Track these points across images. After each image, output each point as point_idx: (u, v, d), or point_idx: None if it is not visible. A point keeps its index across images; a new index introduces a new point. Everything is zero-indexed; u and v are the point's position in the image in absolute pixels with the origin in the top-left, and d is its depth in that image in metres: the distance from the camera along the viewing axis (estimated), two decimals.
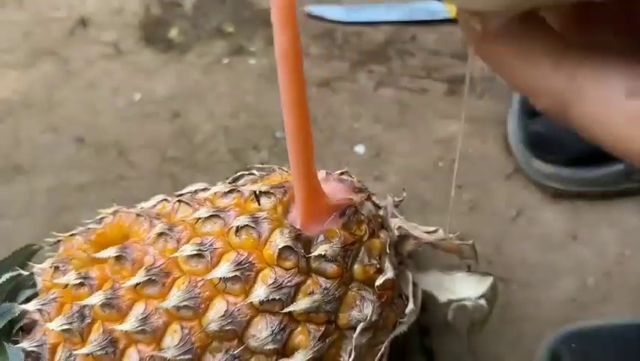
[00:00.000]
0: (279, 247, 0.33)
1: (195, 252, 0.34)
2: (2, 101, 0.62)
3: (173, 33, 0.67)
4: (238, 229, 0.34)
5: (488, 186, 0.57)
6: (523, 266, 0.53)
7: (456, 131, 0.60)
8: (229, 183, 0.39)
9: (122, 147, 0.59)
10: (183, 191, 0.40)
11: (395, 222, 0.38)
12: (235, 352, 0.33)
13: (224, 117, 0.61)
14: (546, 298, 0.52)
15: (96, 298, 0.33)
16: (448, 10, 0.67)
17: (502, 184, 0.57)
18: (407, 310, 0.36)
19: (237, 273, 0.33)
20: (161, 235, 0.35)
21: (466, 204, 0.56)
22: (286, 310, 0.33)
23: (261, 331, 0.33)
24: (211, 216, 0.35)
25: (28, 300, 0.38)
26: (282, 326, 0.33)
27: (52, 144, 0.60)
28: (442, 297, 0.39)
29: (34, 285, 0.40)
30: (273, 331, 0.33)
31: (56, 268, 0.36)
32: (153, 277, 0.33)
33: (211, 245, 0.34)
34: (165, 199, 0.39)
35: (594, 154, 0.54)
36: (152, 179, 0.58)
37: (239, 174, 0.40)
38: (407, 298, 0.37)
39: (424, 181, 0.57)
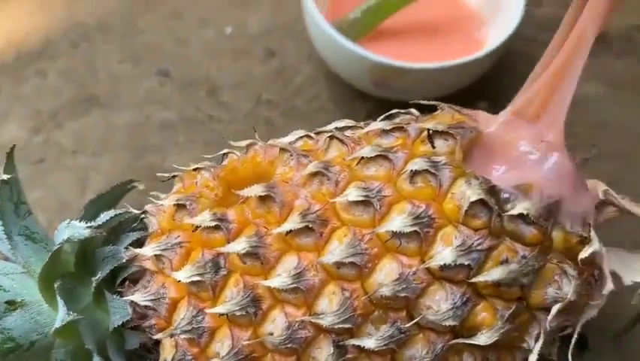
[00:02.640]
0: (471, 200, 0.26)
1: (361, 198, 0.27)
2: (76, 25, 0.55)
3: None
4: (413, 175, 0.27)
5: (630, 158, 0.50)
6: None
7: (592, 92, 0.52)
8: (382, 120, 0.32)
9: (211, 84, 0.52)
10: (324, 128, 0.33)
11: (591, 185, 0.31)
12: (403, 325, 0.27)
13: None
14: None
15: (239, 246, 0.27)
16: None
17: None
18: (605, 291, 0.29)
19: (416, 228, 0.26)
20: (315, 174, 0.28)
21: (605, 176, 0.49)
22: (474, 279, 0.26)
23: (440, 302, 0.27)
24: (377, 156, 0.28)
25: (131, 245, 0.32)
26: (464, 298, 0.27)
27: (133, 75, 0.53)
28: (627, 278, 0.32)
29: (134, 228, 0.34)
30: (454, 304, 0.27)
31: (181, 206, 0.29)
32: (310, 225, 0.27)
33: (379, 192, 0.27)
34: (307, 135, 0.32)
35: None
36: (245, 122, 0.51)
37: (393, 111, 0.33)
38: (599, 277, 0.30)
39: None
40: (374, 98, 0.51)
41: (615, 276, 0.32)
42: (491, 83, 0.52)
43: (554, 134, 0.29)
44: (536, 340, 0.28)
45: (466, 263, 0.26)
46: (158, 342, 0.31)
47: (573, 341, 0.29)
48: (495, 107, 0.51)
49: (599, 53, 0.55)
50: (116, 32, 0.55)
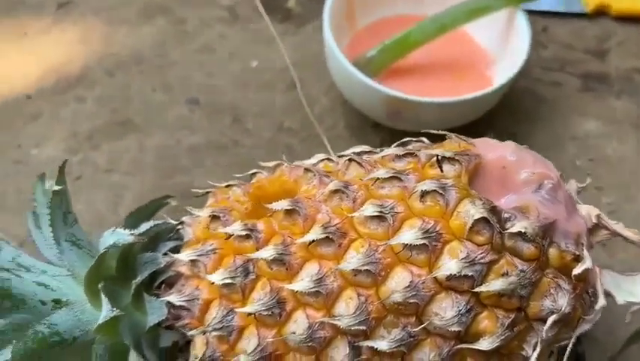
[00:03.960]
0: (475, 218, 0.30)
1: (376, 213, 0.30)
2: (112, 55, 0.60)
3: (292, 3, 0.64)
4: (423, 194, 0.31)
5: (629, 190, 0.53)
6: None
7: (593, 129, 0.56)
8: (396, 146, 0.35)
9: (237, 112, 0.56)
10: (344, 152, 0.36)
11: (585, 210, 0.34)
12: (413, 330, 0.30)
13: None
14: None
15: (267, 253, 0.30)
16: (584, 4, 0.63)
17: None
18: (597, 307, 0.32)
19: (425, 241, 0.29)
20: (335, 192, 0.32)
21: (605, 207, 0.52)
22: (477, 289, 0.29)
23: (446, 310, 0.30)
24: (391, 177, 0.32)
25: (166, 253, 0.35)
26: (468, 306, 0.30)
27: (165, 102, 0.57)
28: (620, 298, 0.35)
29: (170, 238, 0.37)
30: (459, 311, 0.29)
31: (215, 217, 0.33)
32: (330, 236, 0.30)
33: (392, 208, 0.31)
34: (328, 158, 0.35)
35: None
36: (267, 148, 0.54)
37: (406, 139, 0.36)
38: (593, 294, 0.33)
39: None
40: (387, 127, 0.55)
41: (610, 296, 0.35)
42: (498, 117, 0.56)
43: (541, 165, 0.32)
44: (534, 348, 0.31)
45: (470, 274, 0.29)
46: (188, 342, 0.34)
47: (567, 351, 0.32)
48: (500, 140, 0.55)
49: (601, 93, 0.59)
50: (150, 63, 0.59)
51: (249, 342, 0.30)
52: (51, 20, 0.63)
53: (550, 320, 0.30)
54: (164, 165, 0.53)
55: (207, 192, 0.36)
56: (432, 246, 0.30)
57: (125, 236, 0.33)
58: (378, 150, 0.36)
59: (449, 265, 0.29)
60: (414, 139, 0.36)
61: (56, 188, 0.35)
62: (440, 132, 0.35)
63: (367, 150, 0.36)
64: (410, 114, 0.49)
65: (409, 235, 0.30)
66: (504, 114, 0.56)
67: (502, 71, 0.53)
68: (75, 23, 0.63)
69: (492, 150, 0.34)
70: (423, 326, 0.30)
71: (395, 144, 0.36)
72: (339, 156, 0.36)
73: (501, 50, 0.54)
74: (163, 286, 0.34)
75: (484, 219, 0.30)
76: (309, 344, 0.30)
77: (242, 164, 0.54)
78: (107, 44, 0.61)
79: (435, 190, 0.31)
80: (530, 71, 0.59)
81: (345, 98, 0.56)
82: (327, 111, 0.57)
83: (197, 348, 0.32)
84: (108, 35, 0.61)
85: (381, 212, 0.30)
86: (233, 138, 0.55)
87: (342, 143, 0.55)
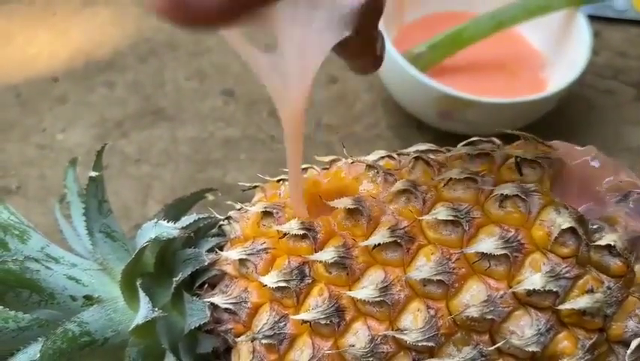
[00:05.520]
0: (562, 227, 0.27)
1: (451, 217, 0.27)
2: (145, 40, 0.57)
3: None
4: (503, 199, 0.28)
5: None
6: None
7: None
8: (464, 145, 0.32)
9: (274, 106, 0.53)
10: (404, 150, 0.33)
11: None
12: (485, 349, 0.27)
13: (386, 89, 0.55)
14: None
15: (327, 255, 0.27)
16: (638, 10, 0.60)
17: None
18: None
19: (506, 251, 0.26)
20: (403, 192, 0.29)
21: None
22: (560, 307, 0.26)
23: (524, 328, 0.27)
24: (465, 178, 0.29)
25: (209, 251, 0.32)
26: (548, 325, 0.27)
27: (199, 92, 0.54)
28: None
29: (211, 235, 0.34)
30: (539, 330, 0.26)
31: (267, 213, 0.30)
32: (398, 240, 0.27)
33: (467, 213, 0.28)
34: (389, 155, 0.32)
35: None
36: (305, 145, 0.51)
37: (474, 139, 0.33)
38: None
39: None
40: (432, 128, 0.52)
41: None
42: (548, 124, 0.53)
43: (625, 173, 0.29)
44: None
45: (555, 290, 0.26)
46: (228, 348, 0.31)
47: None
48: None
49: None
50: (184, 50, 0.57)
51: (302, 353, 0.27)
52: (82, 0, 0.60)
53: (634, 343, 0.27)
54: (197, 158, 0.50)
55: (255, 186, 0.33)
56: (512, 257, 0.27)
57: (169, 229, 0.30)
58: (444, 149, 0.33)
59: (532, 279, 0.26)
60: (484, 139, 0.33)
61: (93, 174, 0.32)
62: (516, 132, 0.32)
63: (433, 148, 0.33)
64: (463, 114, 0.46)
65: (488, 243, 0.27)
66: (551, 121, 0.53)
67: (558, 73, 0.50)
68: (107, 5, 0.60)
69: (571, 154, 0.31)
70: (498, 345, 0.27)
71: (463, 143, 0.33)
72: (400, 154, 0.33)
73: (556, 52, 0.51)
74: (205, 286, 0.31)
75: (571, 230, 0.27)
76: (370, 359, 0.27)
77: (278, 160, 0.51)
78: (139, 28, 0.58)
79: (516, 195, 0.28)
80: (582, 77, 0.56)
81: (387, 95, 0.53)
82: (368, 109, 0.54)
83: (242, 356, 0.29)
84: (141, 18, 0.59)
85: (455, 216, 0.27)
86: (269, 133, 0.52)
87: (383, 143, 0.52)
